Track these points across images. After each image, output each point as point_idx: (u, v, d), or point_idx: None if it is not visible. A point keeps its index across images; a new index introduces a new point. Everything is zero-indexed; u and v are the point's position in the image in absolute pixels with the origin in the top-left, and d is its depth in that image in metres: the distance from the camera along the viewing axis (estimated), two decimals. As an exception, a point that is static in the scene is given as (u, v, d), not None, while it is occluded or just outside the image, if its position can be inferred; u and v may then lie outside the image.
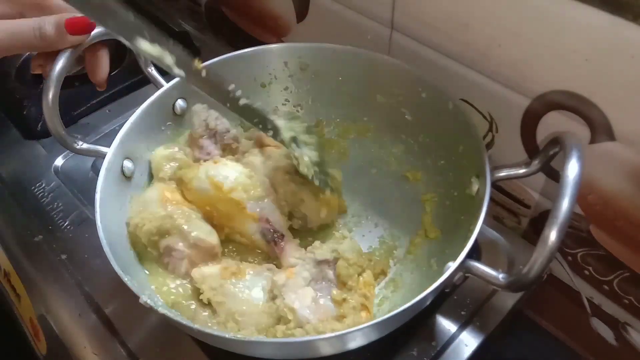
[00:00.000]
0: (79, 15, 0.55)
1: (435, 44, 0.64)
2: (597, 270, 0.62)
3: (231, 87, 0.55)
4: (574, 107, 0.54)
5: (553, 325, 0.73)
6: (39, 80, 0.87)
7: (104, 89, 0.63)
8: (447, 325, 0.59)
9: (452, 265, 0.46)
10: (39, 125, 0.82)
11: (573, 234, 0.62)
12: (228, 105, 0.55)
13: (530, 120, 0.59)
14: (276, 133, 0.58)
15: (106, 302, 0.62)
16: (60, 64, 0.56)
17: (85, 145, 0.61)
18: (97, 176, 0.56)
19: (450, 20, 0.60)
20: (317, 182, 0.59)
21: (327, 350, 0.48)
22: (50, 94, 0.56)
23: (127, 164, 0.61)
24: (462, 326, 0.59)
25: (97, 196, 0.54)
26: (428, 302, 0.49)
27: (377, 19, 0.69)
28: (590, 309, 0.66)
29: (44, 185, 0.75)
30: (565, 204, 0.40)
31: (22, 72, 0.91)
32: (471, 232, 0.49)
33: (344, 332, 0.44)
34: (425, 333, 0.58)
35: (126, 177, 0.61)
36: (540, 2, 0.51)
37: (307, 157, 0.59)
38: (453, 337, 0.58)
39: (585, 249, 0.62)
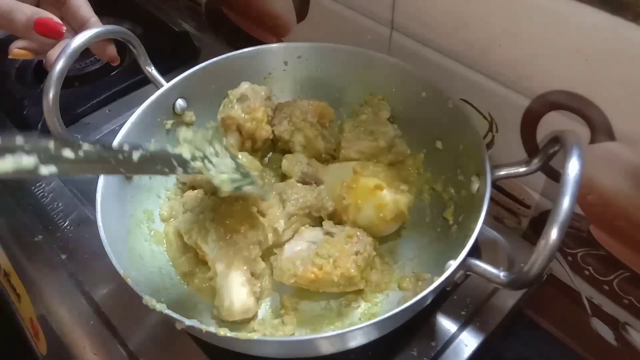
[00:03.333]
0: (55, 19, 0.56)
1: (435, 43, 0.64)
2: (597, 270, 0.62)
3: (122, 146, 0.45)
4: (573, 107, 0.54)
5: (553, 325, 0.73)
6: (39, 80, 0.87)
7: (118, 62, 0.66)
8: (447, 325, 0.59)
9: (454, 264, 0.46)
10: (39, 125, 0.82)
11: (573, 234, 0.62)
12: (122, 170, 0.46)
13: (530, 120, 0.59)
14: (185, 165, 0.50)
15: (106, 302, 0.62)
16: (60, 64, 0.56)
17: None
18: (97, 176, 0.56)
19: (450, 20, 0.60)
20: (245, 190, 0.55)
21: (327, 349, 0.48)
22: (51, 94, 0.56)
23: None
24: (462, 326, 0.59)
25: (98, 196, 0.54)
26: (429, 301, 0.49)
27: (377, 18, 0.69)
28: (590, 309, 0.66)
29: (44, 185, 0.75)
30: (566, 203, 0.40)
31: (22, 72, 0.92)
32: (472, 230, 0.49)
33: (344, 330, 0.44)
34: (425, 333, 0.58)
35: (127, 177, 0.61)
36: (541, 2, 0.51)
37: (223, 172, 0.53)
38: (453, 337, 0.58)
39: (585, 249, 0.62)
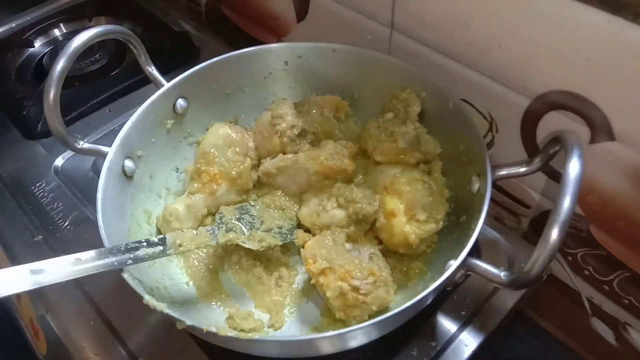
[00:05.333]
0: None
1: (436, 43, 0.64)
2: (597, 270, 0.62)
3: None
4: (574, 107, 0.54)
5: (553, 325, 0.73)
6: (39, 80, 0.88)
7: None
8: (447, 325, 0.59)
9: (454, 264, 0.46)
10: (39, 125, 0.82)
11: (573, 234, 0.62)
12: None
13: (530, 120, 0.59)
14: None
15: (106, 302, 0.62)
16: (61, 63, 0.56)
17: (86, 145, 0.61)
18: (97, 176, 0.56)
19: (450, 20, 0.60)
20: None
21: (327, 349, 0.48)
22: (52, 93, 0.56)
23: (128, 163, 0.61)
24: (462, 326, 0.59)
25: (99, 195, 0.54)
26: (429, 301, 0.49)
27: (377, 19, 0.69)
28: (590, 309, 0.66)
29: (44, 185, 0.75)
30: (566, 203, 0.40)
31: (22, 72, 0.92)
32: (472, 230, 0.49)
33: (344, 330, 0.44)
34: (426, 333, 0.58)
35: (127, 176, 0.61)
36: (541, 2, 0.51)
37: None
38: (453, 337, 0.58)
39: (585, 249, 0.62)
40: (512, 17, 0.54)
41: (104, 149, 0.60)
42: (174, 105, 0.67)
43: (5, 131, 0.84)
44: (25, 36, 0.98)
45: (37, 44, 0.98)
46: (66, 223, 0.70)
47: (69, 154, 0.78)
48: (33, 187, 0.75)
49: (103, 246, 0.50)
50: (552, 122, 0.57)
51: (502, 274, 0.45)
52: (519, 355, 0.71)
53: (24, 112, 0.83)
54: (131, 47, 0.66)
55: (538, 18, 0.52)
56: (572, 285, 0.66)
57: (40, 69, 0.91)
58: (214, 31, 1.05)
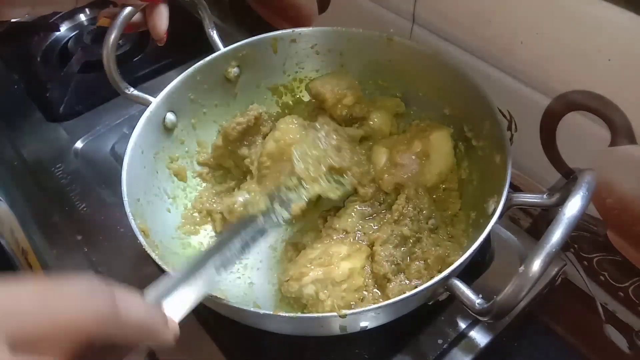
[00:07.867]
0: None
1: (456, 39, 0.63)
2: (613, 276, 0.61)
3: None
4: (595, 108, 0.53)
5: (566, 330, 0.72)
6: (64, 64, 0.89)
7: (163, 43, 0.64)
8: (455, 322, 0.58)
9: (435, 279, 0.45)
10: (62, 107, 0.83)
11: (589, 238, 0.61)
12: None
13: (550, 120, 0.58)
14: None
15: (114, 279, 0.63)
16: (126, 11, 0.59)
17: (135, 92, 0.63)
18: (116, 160, 0.57)
19: (472, 15, 0.59)
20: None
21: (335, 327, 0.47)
22: (112, 37, 0.59)
23: (170, 116, 0.63)
24: (471, 324, 0.58)
25: (132, 140, 0.56)
26: (407, 310, 0.48)
27: (398, 12, 0.69)
28: (604, 315, 0.65)
29: (63, 167, 0.76)
30: (555, 238, 0.38)
31: (48, 56, 0.93)
32: (465, 249, 0.47)
33: (353, 311, 0.44)
34: (432, 330, 0.57)
35: (167, 128, 0.63)
36: (565, 1, 0.50)
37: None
38: (461, 336, 0.57)
39: (601, 254, 0.61)
40: (535, 15, 0.53)
41: (150, 98, 0.62)
42: (227, 71, 0.68)
43: (29, 113, 0.85)
44: (51, 20, 1.00)
45: (63, 28, 0.99)
46: (83, 205, 0.71)
47: (89, 137, 0.80)
48: (53, 168, 0.76)
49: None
50: (572, 123, 0.56)
51: (477, 301, 0.42)
52: (529, 358, 0.70)
53: (48, 95, 0.85)
54: (198, 9, 0.70)
55: (561, 16, 0.51)
56: (587, 290, 0.65)
57: (65, 53, 0.93)
58: (237, 21, 1.05)
